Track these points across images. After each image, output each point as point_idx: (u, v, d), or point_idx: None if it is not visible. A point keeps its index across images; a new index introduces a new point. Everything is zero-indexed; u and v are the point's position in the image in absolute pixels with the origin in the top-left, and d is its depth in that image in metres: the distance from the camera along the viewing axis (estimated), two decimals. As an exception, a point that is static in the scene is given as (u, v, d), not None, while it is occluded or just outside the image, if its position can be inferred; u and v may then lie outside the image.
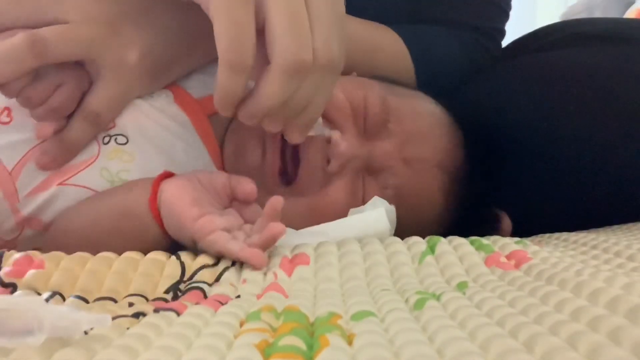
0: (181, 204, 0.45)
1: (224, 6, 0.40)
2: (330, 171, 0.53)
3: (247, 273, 0.41)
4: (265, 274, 0.41)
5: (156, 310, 0.32)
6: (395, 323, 0.29)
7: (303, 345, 0.26)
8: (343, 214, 0.52)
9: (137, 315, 0.32)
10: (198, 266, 0.41)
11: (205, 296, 0.37)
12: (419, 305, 0.33)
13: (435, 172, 0.57)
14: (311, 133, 0.51)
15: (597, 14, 1.69)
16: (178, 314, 0.32)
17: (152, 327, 0.29)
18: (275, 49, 0.41)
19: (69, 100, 0.49)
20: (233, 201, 0.49)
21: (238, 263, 0.42)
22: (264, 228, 0.43)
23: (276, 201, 0.45)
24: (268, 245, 0.43)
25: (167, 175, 0.48)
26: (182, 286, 0.39)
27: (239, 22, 0.40)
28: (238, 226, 0.45)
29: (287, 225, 0.52)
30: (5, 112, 0.51)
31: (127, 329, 0.29)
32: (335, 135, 0.53)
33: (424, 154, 0.56)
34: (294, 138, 0.48)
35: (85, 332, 0.28)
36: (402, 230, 0.51)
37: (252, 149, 0.54)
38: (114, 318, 0.30)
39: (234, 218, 0.46)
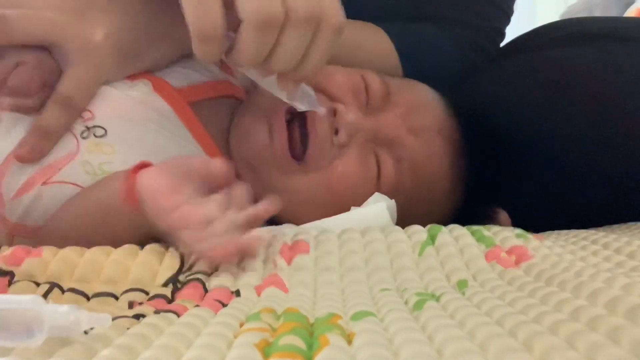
0: (157, 195, 0.43)
1: None
2: (339, 143, 0.54)
3: (246, 260, 0.41)
4: (264, 261, 0.41)
5: (156, 312, 0.33)
6: (395, 322, 0.29)
7: (303, 345, 0.26)
8: (357, 188, 0.53)
9: (138, 316, 0.32)
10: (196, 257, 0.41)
11: (205, 288, 0.38)
12: (418, 306, 0.33)
13: (439, 139, 0.58)
14: (303, 107, 0.52)
15: (597, 13, 1.68)
16: (178, 315, 0.32)
17: (152, 327, 0.29)
18: (239, 7, 0.42)
19: (28, 80, 0.49)
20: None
21: None
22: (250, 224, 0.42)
23: (271, 204, 0.44)
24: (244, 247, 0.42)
25: (145, 165, 0.47)
26: (181, 277, 0.39)
27: None
28: (220, 213, 0.42)
29: (301, 203, 0.52)
30: None
31: (127, 329, 0.29)
32: (340, 107, 0.54)
33: (426, 121, 0.58)
34: (285, 87, 0.49)
35: (85, 332, 0.28)
36: (415, 211, 0.51)
37: (259, 130, 0.55)
38: (114, 318, 0.30)
39: (216, 205, 0.43)
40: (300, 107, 0.51)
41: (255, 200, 0.57)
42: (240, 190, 0.46)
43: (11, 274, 0.38)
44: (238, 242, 0.41)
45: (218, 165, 0.45)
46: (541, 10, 2.20)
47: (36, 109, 0.50)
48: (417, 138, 0.56)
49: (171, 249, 0.42)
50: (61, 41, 0.49)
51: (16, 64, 0.49)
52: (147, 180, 0.44)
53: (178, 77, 0.57)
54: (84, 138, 0.51)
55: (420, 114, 0.58)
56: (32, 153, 0.49)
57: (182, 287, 0.38)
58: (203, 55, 0.44)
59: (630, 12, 1.61)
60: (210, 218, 0.41)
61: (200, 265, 0.40)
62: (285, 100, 0.51)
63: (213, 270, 0.40)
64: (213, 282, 0.38)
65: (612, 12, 1.67)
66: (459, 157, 0.59)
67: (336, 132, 0.54)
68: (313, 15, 0.44)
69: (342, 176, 0.54)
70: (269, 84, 0.50)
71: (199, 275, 0.39)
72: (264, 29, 0.43)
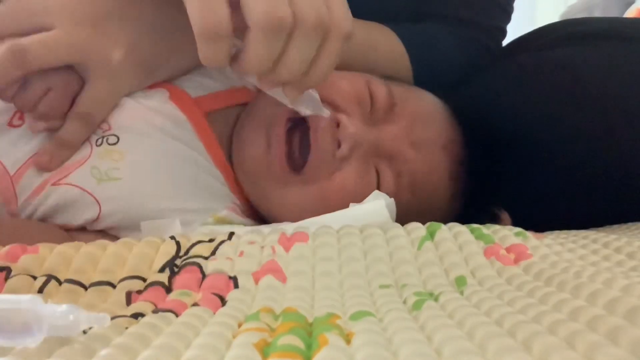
0: None
1: None
2: (340, 155, 0.53)
3: (244, 245, 0.41)
4: (262, 247, 0.41)
5: (155, 311, 0.33)
6: (394, 322, 0.29)
7: (302, 345, 0.26)
8: (355, 201, 0.52)
9: (136, 315, 0.32)
10: (193, 242, 0.41)
11: (202, 272, 0.38)
12: (417, 305, 0.33)
13: (441, 154, 0.57)
14: (308, 112, 0.50)
15: (597, 13, 1.68)
16: (177, 314, 0.32)
17: (150, 327, 0.29)
18: (246, 9, 0.41)
19: (57, 105, 0.50)
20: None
21: (235, 236, 0.42)
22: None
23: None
24: None
25: None
26: (178, 262, 0.39)
27: None
28: None
29: (298, 214, 0.52)
30: (17, 115, 0.53)
31: (126, 328, 0.29)
32: (343, 118, 0.53)
33: (430, 135, 0.57)
34: (291, 95, 0.47)
35: (84, 332, 0.28)
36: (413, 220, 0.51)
37: (257, 141, 0.54)
38: (112, 318, 0.30)
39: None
40: (305, 111, 0.51)
41: (253, 209, 0.58)
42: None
43: (8, 270, 0.38)
44: None
45: None
46: (541, 10, 2.20)
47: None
48: (419, 152, 0.56)
49: (167, 239, 0.42)
50: (81, 61, 0.50)
51: (45, 90, 0.50)
52: None
53: (195, 85, 0.57)
54: (98, 145, 0.52)
55: (423, 128, 0.57)
56: (51, 162, 0.51)
57: (179, 271, 0.38)
58: (208, 57, 0.42)
59: (630, 12, 1.61)
60: None
61: (197, 250, 0.40)
62: (289, 105, 0.50)
63: (210, 254, 0.40)
64: (210, 266, 0.38)
65: (612, 12, 1.67)
66: (461, 171, 0.58)
67: (339, 144, 0.53)
68: (322, 22, 0.43)
69: (341, 189, 0.53)
70: (272, 90, 0.49)
71: (195, 260, 0.39)
72: (273, 34, 0.41)
